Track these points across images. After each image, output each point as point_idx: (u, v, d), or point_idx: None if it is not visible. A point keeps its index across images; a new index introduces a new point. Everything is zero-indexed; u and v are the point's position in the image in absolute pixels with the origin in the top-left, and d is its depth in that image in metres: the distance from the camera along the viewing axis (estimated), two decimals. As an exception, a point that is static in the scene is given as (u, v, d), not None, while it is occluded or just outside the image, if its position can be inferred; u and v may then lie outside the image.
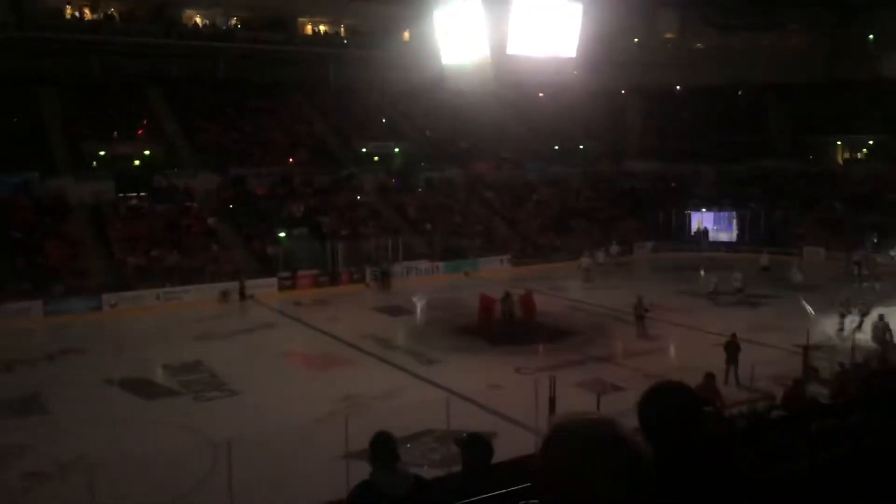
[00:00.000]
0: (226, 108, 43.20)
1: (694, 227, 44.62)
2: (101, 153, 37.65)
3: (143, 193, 36.08)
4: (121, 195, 35.34)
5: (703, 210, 44.64)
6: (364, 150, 44.13)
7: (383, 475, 4.61)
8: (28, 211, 32.38)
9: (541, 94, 47.89)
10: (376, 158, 44.02)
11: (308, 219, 36.94)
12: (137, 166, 38.14)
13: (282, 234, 34.94)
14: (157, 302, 28.70)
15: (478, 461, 4.93)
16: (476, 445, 5.06)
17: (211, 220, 35.25)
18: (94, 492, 11.27)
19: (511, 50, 19.82)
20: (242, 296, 30.64)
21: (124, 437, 15.38)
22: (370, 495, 4.53)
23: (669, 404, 2.32)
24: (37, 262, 29.47)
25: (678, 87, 50.00)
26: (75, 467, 13.42)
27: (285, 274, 32.66)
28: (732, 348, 18.50)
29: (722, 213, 44.75)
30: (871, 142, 46.68)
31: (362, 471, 12.72)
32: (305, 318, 27.46)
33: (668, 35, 54.67)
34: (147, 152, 38.90)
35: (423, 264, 35.84)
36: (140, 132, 40.20)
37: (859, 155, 47.64)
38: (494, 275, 35.20)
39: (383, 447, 4.76)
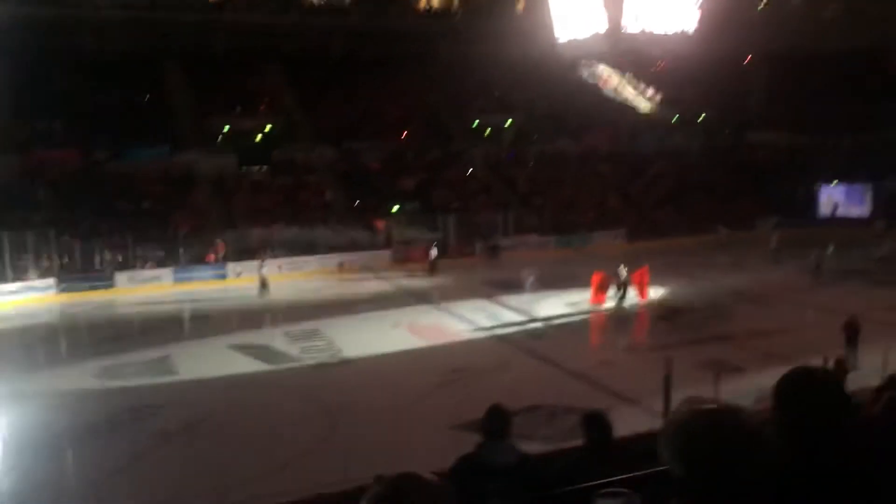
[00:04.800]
0: (341, 84, 44.06)
1: (823, 201, 42.13)
2: (225, 128, 39.23)
3: (263, 167, 37.45)
4: (243, 168, 36.82)
5: (834, 183, 42.05)
6: (475, 123, 44.05)
7: (490, 447, 4.60)
8: (158, 183, 34.26)
9: (660, 62, 46.21)
10: (488, 131, 43.85)
11: (420, 193, 37.33)
12: (258, 141, 39.53)
13: (395, 208, 35.49)
14: (278, 272, 29.71)
15: (596, 437, 4.82)
16: (595, 421, 4.95)
17: (327, 194, 36.23)
18: (217, 452, 11.90)
19: (627, 25, 19.25)
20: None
21: (247, 400, 16.12)
22: (472, 466, 4.52)
23: (814, 394, 2.11)
24: (166, 231, 31.23)
25: (807, 53, 46.98)
26: (200, 428, 14.19)
27: (399, 247, 33.18)
28: (852, 330, 17.37)
29: (854, 187, 42.01)
30: None
31: (470, 442, 12.84)
32: (417, 291, 27.86)
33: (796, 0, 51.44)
34: (267, 127, 40.25)
35: (534, 239, 35.58)
36: (261, 108, 41.65)
37: None
38: (607, 250, 34.51)
39: (496, 420, 4.72)
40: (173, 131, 37.61)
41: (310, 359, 19.31)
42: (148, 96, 39.16)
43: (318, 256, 31.40)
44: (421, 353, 19.78)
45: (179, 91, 40.60)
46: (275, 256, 30.61)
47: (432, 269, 31.27)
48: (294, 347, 20.37)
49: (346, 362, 19.09)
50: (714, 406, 1.65)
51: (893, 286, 26.43)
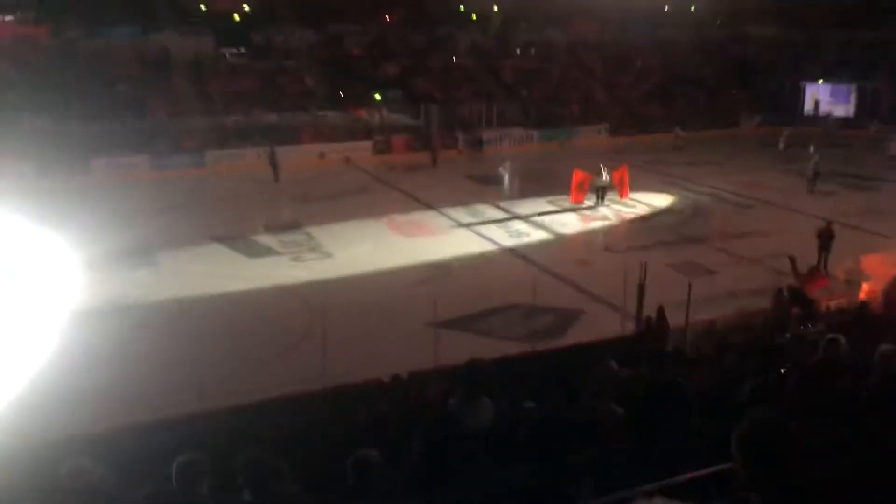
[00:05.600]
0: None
1: (808, 99, 41.81)
2: (202, 7, 37.72)
3: (242, 49, 36.31)
4: (221, 51, 35.69)
5: (820, 81, 41.59)
6: (461, 7, 42.64)
7: (465, 407, 4.61)
8: (133, 65, 33.18)
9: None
10: (474, 17, 42.51)
11: (403, 81, 36.54)
12: (237, 21, 38.13)
13: (377, 96, 34.80)
14: (258, 161, 29.20)
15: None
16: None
17: (308, 80, 35.38)
18: (197, 347, 12.11)
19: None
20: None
21: (227, 294, 16.28)
22: (447, 427, 4.56)
23: (769, 447, 2.13)
24: (143, 116, 30.52)
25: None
26: (180, 321, 14.39)
27: (380, 137, 32.78)
28: (826, 236, 17.58)
29: (840, 86, 41.57)
30: None
31: (449, 340, 13.13)
32: (398, 184, 27.75)
33: None
34: (246, 7, 38.77)
35: (517, 132, 35.22)
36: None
37: None
38: (591, 145, 34.38)
39: (471, 379, 4.68)
40: (147, 9, 36.11)
41: (290, 253, 19.42)
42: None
43: (298, 145, 30.92)
44: (401, 248, 19.94)
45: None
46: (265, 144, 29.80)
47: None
48: (274, 241, 20.43)
49: (326, 256, 19.25)
50: None
51: (872, 190, 26.67)
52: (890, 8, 40.64)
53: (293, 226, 21.77)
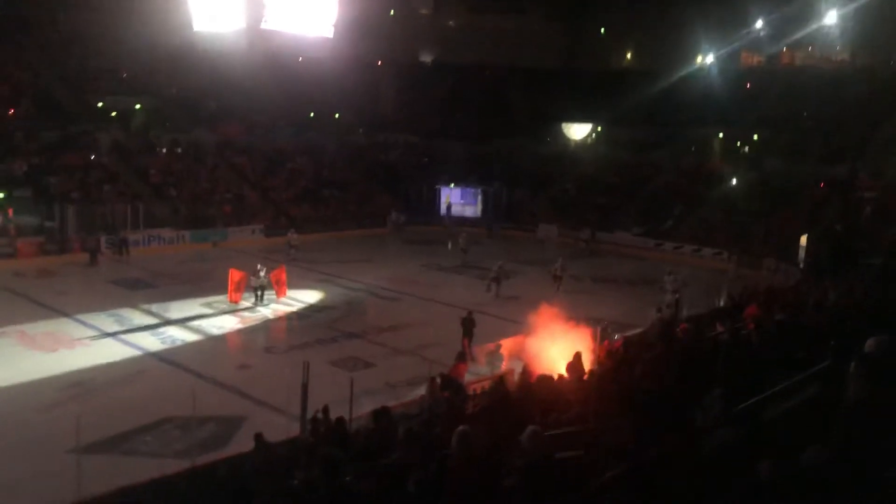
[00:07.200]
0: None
1: (442, 202, 46.49)
2: None
3: None
4: None
5: (452, 186, 46.62)
6: (100, 104, 40.23)
7: None
8: None
9: (300, 58, 46.78)
10: (114, 114, 40.28)
11: (32, 179, 33.05)
12: None
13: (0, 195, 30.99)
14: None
15: None
16: None
17: None
18: None
19: (267, 25, 19.27)
20: None
21: None
22: None
23: None
24: None
25: (430, 64, 51.20)
26: None
27: (4, 240, 29.06)
28: (468, 324, 19.38)
29: (468, 190, 47.05)
30: (598, 129, 51.18)
31: (95, 466, 11.83)
32: (28, 292, 24.66)
33: (423, 11, 55.59)
34: None
35: (167, 233, 33.68)
36: None
37: (588, 140, 51.95)
38: (246, 245, 34.23)
39: None
40: None
41: None
42: None
43: None
44: (33, 364, 17.54)
45: None
46: None
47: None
48: None
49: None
50: None
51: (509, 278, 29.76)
52: (495, 127, 47.65)
53: None
